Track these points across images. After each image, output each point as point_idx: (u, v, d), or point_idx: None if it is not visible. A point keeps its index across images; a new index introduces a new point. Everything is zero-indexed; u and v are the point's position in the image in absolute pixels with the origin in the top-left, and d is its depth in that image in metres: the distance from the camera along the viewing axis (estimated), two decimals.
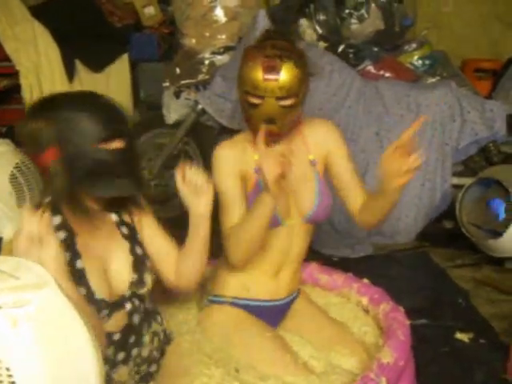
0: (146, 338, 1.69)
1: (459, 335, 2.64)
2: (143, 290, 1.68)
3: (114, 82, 4.02)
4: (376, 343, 1.92)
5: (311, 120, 2.00)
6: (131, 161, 1.58)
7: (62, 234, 1.57)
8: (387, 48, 3.85)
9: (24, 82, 3.85)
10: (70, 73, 3.95)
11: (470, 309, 2.91)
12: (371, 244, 3.52)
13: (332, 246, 3.44)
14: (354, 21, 3.73)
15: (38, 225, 1.29)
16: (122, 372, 1.64)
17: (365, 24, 3.73)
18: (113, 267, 1.64)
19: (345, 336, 1.93)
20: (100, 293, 1.57)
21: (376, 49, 3.73)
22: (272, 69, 1.75)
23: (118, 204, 1.67)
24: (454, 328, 2.69)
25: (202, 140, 3.68)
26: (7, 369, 0.93)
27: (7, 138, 3.02)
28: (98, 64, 4.01)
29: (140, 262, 1.69)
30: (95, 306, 1.55)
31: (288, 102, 1.79)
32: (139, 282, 1.67)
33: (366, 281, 2.20)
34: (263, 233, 1.78)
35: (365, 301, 2.11)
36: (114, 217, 1.70)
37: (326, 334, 1.93)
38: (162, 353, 1.78)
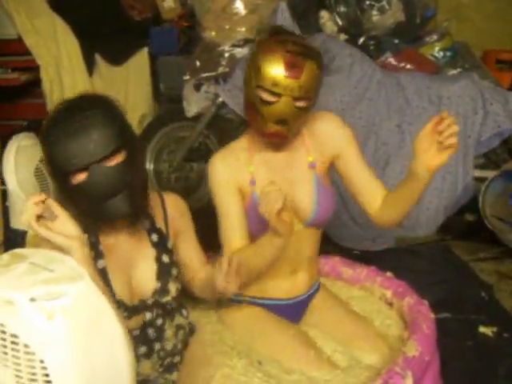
0: (169, 333, 1.70)
1: (483, 329, 2.63)
2: (166, 299, 1.66)
3: (133, 76, 4.03)
4: (400, 336, 1.91)
5: (312, 116, 1.86)
6: (107, 187, 1.44)
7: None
8: (408, 40, 3.82)
9: (44, 75, 3.88)
10: (90, 67, 3.98)
11: (493, 302, 2.89)
12: (392, 237, 3.50)
13: (353, 239, 3.42)
14: (374, 12, 3.69)
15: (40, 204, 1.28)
16: (145, 366, 1.64)
17: (386, 16, 3.69)
18: (137, 273, 1.63)
19: (366, 331, 1.90)
20: (121, 295, 1.57)
21: (397, 41, 3.70)
22: (295, 65, 1.63)
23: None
24: (477, 322, 2.67)
25: (222, 133, 3.67)
26: (41, 361, 0.93)
27: (29, 131, 3.04)
28: (117, 58, 4.02)
29: (165, 271, 1.65)
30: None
31: (304, 104, 1.69)
32: (162, 291, 1.65)
33: (389, 274, 2.19)
34: (270, 264, 1.74)
35: (389, 294, 2.10)
36: (146, 224, 1.67)
37: (347, 328, 1.91)
38: (186, 344, 1.78)
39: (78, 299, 0.93)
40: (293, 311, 1.97)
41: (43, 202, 1.28)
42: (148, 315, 1.63)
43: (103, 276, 1.54)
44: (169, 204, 1.71)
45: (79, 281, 0.94)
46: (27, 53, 3.85)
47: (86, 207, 1.46)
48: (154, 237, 1.67)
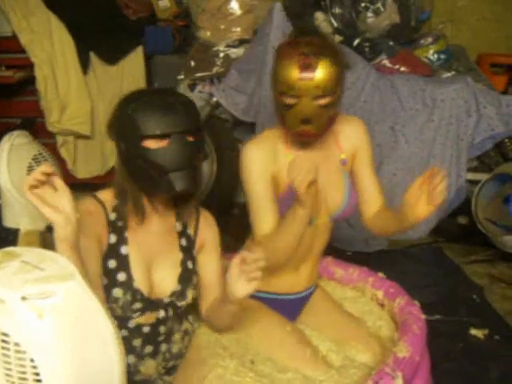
0: (177, 336, 1.71)
1: (474, 331, 2.64)
2: (182, 303, 1.68)
3: (128, 75, 4.02)
4: (391, 337, 1.92)
5: (343, 117, 1.93)
6: (182, 159, 1.51)
7: (113, 215, 1.59)
8: (403, 42, 3.83)
9: (38, 73, 3.86)
10: (85, 65, 3.97)
11: (484, 305, 2.91)
12: (385, 239, 3.51)
13: (346, 241, 3.43)
14: (369, 14, 3.71)
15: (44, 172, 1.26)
16: (149, 365, 1.65)
17: (380, 17, 3.70)
18: (160, 272, 1.64)
19: (359, 331, 1.93)
20: (139, 284, 1.58)
21: (392, 43, 3.71)
22: (308, 66, 1.66)
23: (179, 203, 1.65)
24: (468, 324, 2.69)
25: (216, 133, 3.68)
26: (31, 360, 0.93)
27: (22, 129, 3.03)
28: (112, 56, 4.01)
29: (187, 276, 1.68)
30: (131, 294, 1.56)
31: (324, 101, 1.70)
32: (181, 295, 1.66)
33: (381, 275, 2.20)
34: (297, 243, 1.75)
35: (380, 295, 2.10)
36: (178, 226, 1.70)
37: (341, 328, 1.93)
38: (188, 348, 1.79)
39: (68, 298, 0.92)
40: (291, 307, 1.98)
41: (48, 174, 1.27)
42: (162, 313, 1.64)
43: (124, 262, 1.57)
44: (202, 216, 1.75)
45: (70, 280, 0.93)
46: (22, 50, 3.83)
47: (149, 175, 1.51)
48: (184, 241, 1.70)
